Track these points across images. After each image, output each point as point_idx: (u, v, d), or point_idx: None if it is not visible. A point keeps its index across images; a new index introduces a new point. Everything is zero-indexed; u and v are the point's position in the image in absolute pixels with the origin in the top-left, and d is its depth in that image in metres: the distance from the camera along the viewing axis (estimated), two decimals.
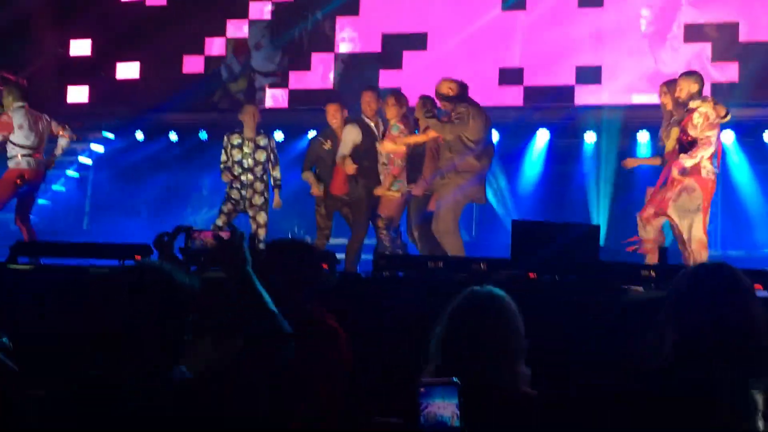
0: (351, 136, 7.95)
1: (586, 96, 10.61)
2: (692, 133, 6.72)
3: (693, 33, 10.36)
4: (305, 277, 3.51)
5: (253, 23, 12.33)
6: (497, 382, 2.73)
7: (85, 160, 12.89)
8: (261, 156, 8.41)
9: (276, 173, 8.56)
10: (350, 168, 7.80)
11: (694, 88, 6.87)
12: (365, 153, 7.96)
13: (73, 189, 12.82)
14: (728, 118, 6.98)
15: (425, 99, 7.75)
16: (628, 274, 5.23)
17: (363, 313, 5.01)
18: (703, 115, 6.72)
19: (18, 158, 8.14)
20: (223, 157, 8.48)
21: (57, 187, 12.64)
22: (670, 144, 7.03)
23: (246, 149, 8.37)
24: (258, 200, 8.37)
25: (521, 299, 2.94)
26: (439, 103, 7.76)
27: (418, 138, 7.86)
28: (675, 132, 6.96)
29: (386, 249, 7.56)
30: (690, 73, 7.15)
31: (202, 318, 2.42)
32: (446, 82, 7.68)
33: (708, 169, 6.77)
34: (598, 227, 5.68)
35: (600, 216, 9.93)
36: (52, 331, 4.72)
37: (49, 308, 5.29)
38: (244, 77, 12.24)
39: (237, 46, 12.33)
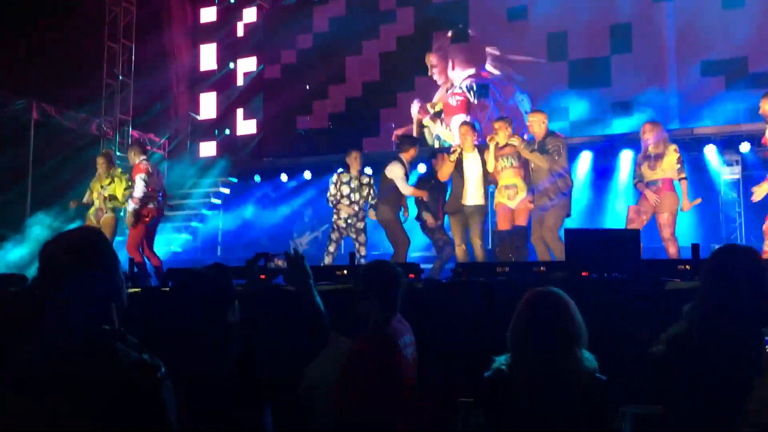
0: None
1: None
2: None
3: None
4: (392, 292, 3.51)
5: None
6: (563, 366, 2.70)
7: (215, 200, 13.25)
8: (364, 191, 8.56)
9: (373, 202, 8.65)
10: None
11: None
12: None
13: (207, 224, 13.15)
14: None
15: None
16: (666, 268, 5.09)
17: (443, 312, 5.00)
18: None
19: (145, 200, 8.28)
20: (333, 191, 8.61)
21: (194, 224, 13.00)
22: None
23: (353, 185, 8.52)
24: (360, 225, 8.53)
25: (577, 295, 2.91)
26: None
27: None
28: None
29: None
30: None
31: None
32: (540, 116, 7.50)
33: None
34: (638, 232, 5.55)
35: None
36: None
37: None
38: None
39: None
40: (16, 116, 11.40)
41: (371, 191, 8.62)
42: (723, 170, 10.16)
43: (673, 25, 10.65)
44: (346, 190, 8.52)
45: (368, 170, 9.54)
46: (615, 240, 5.25)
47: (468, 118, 11.17)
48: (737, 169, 10.08)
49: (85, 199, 8.85)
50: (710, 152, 10.13)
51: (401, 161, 8.32)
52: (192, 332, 2.36)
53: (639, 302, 4.67)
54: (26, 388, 1.88)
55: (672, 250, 6.99)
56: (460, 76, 12.24)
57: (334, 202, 8.57)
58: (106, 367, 1.88)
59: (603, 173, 10.51)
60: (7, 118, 11.19)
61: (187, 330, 2.37)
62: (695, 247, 5.21)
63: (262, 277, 2.75)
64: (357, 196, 8.51)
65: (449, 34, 12.31)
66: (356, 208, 8.49)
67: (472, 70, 12.13)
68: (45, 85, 11.49)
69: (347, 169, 8.64)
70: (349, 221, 8.49)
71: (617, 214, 9.78)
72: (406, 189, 8.27)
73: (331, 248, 8.49)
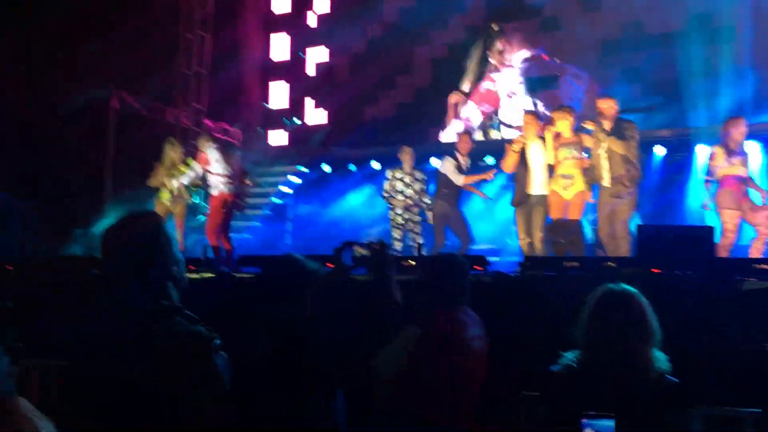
0: None
1: None
2: None
3: None
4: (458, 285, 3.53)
5: None
6: (634, 365, 2.67)
7: (286, 189, 13.43)
8: (417, 186, 8.71)
9: (426, 199, 8.82)
10: None
11: None
12: None
13: (277, 213, 13.35)
14: None
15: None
16: (741, 267, 4.96)
17: (510, 306, 4.99)
18: None
19: (220, 186, 8.53)
20: (387, 187, 8.80)
21: (265, 212, 13.22)
22: None
23: (407, 180, 8.62)
24: (417, 219, 8.72)
25: (648, 292, 2.87)
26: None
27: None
28: None
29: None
30: None
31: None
32: (611, 101, 7.28)
33: None
34: (712, 228, 5.41)
35: None
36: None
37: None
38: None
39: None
40: (95, 106, 11.78)
41: (424, 186, 8.80)
42: None
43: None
44: (399, 185, 8.71)
45: (435, 162, 9.58)
46: (688, 236, 5.14)
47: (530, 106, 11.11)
48: None
49: (154, 183, 9.16)
50: None
51: (453, 155, 8.37)
52: (270, 319, 2.43)
53: (713, 302, 4.57)
54: (95, 358, 2.17)
55: None
56: (519, 58, 12.15)
57: (388, 198, 8.75)
58: (164, 336, 2.14)
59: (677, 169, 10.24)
60: (87, 108, 11.58)
61: (264, 316, 2.44)
62: None
63: (347, 266, 2.79)
64: (411, 191, 8.69)
65: (495, 27, 12.20)
66: (410, 203, 8.64)
67: (530, 53, 12.03)
68: (123, 75, 11.85)
69: (401, 165, 8.79)
70: (406, 216, 8.65)
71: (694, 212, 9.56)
72: (459, 180, 8.33)
73: (398, 246, 8.63)
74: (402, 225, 8.69)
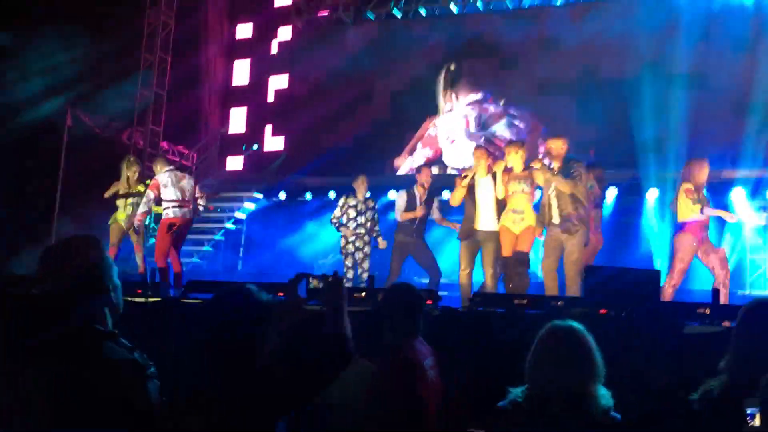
0: None
1: None
2: None
3: None
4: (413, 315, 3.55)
5: None
6: (579, 402, 2.70)
7: (240, 215, 13.36)
8: (369, 215, 8.79)
9: (377, 227, 8.88)
10: None
11: None
12: None
13: (230, 238, 13.25)
14: None
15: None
16: (685, 311, 5.06)
17: (459, 340, 5.01)
18: None
19: (168, 210, 8.48)
20: (338, 213, 8.82)
21: (217, 237, 13.11)
22: None
23: (360, 208, 8.74)
24: (367, 250, 8.74)
25: (595, 331, 2.91)
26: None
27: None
28: None
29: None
30: None
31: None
32: (560, 141, 7.31)
33: None
34: (658, 272, 5.54)
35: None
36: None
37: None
38: None
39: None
40: (50, 121, 11.61)
41: (376, 216, 8.86)
42: (749, 215, 10.08)
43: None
44: (352, 213, 8.76)
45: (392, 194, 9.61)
46: (635, 280, 5.24)
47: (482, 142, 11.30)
48: (764, 214, 9.99)
49: (107, 195, 9.04)
50: (737, 196, 10.08)
51: (408, 189, 8.50)
52: (215, 347, 2.41)
53: (657, 343, 4.65)
54: (23, 379, 2.14)
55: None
56: (464, 102, 12.39)
57: (338, 225, 8.80)
58: (92, 362, 2.14)
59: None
60: (41, 123, 11.40)
61: (209, 343, 2.41)
62: (715, 292, 5.19)
63: (301, 297, 2.75)
64: (363, 219, 8.73)
65: (452, 66, 12.46)
66: (362, 231, 8.70)
67: (478, 96, 12.26)
68: (79, 91, 11.70)
69: (355, 192, 8.87)
70: (357, 245, 8.67)
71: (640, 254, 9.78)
72: (397, 215, 8.45)
73: (349, 274, 8.64)
74: (351, 253, 8.70)
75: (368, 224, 8.75)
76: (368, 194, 9.04)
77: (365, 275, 8.49)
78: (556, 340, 2.79)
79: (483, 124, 12.20)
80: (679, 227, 7.22)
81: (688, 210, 7.10)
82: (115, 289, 2.35)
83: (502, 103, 12.12)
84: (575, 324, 2.84)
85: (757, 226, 10.01)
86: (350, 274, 8.62)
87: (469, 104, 12.43)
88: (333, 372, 2.40)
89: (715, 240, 7.40)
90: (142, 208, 8.48)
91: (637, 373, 4.40)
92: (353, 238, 8.69)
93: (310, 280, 2.77)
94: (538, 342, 2.82)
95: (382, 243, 8.81)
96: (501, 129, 11.98)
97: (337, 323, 2.48)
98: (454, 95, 12.56)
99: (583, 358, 2.75)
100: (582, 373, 2.73)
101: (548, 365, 2.74)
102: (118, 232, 8.97)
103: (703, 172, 7.20)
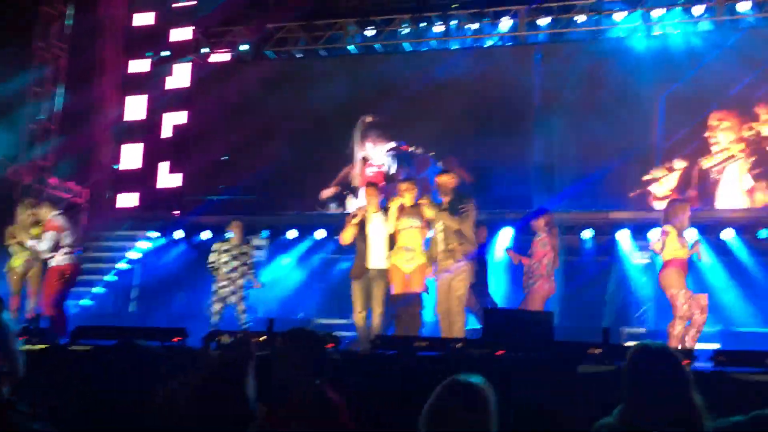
0: None
1: None
2: None
3: None
4: (315, 359, 3.51)
5: None
6: None
7: (134, 255, 12.92)
8: (244, 260, 8.87)
9: (254, 270, 9.02)
10: None
11: None
12: None
13: (122, 279, 12.78)
14: None
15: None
16: (578, 351, 5.24)
17: (360, 385, 4.99)
18: None
19: (61, 256, 7.92)
20: (212, 258, 8.90)
21: (109, 277, 12.63)
22: None
23: (234, 252, 8.84)
24: (242, 293, 8.77)
25: (489, 373, 2.92)
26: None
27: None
28: None
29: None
30: None
31: None
32: (449, 176, 7.51)
33: None
34: (552, 313, 5.73)
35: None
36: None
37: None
38: None
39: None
40: None
41: (251, 260, 8.98)
42: (634, 254, 10.60)
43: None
44: (225, 257, 8.84)
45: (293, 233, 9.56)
46: (530, 321, 5.41)
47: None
48: (648, 253, 10.48)
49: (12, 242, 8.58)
50: (623, 237, 10.59)
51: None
52: (109, 399, 2.32)
53: (552, 383, 4.78)
54: None
55: None
56: (381, 150, 12.50)
57: (211, 269, 8.89)
58: None
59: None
60: None
61: (104, 395, 2.33)
62: (605, 331, 5.40)
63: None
64: (237, 263, 8.81)
65: (368, 118, 12.58)
66: (234, 276, 8.75)
67: (393, 143, 12.43)
68: None
69: (229, 238, 9.00)
70: (231, 288, 8.72)
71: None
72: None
73: (215, 319, 8.67)
74: (223, 298, 8.70)
75: (243, 268, 8.81)
76: (250, 238, 9.24)
77: (244, 316, 8.64)
78: (452, 399, 2.61)
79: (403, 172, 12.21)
80: (662, 266, 7.12)
81: (674, 250, 7.07)
82: (15, 357, 2.25)
83: (419, 151, 12.24)
84: (474, 380, 2.72)
85: (640, 265, 10.52)
86: (215, 319, 8.64)
87: (388, 151, 12.48)
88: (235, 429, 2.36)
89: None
90: (43, 246, 7.83)
91: (533, 413, 4.51)
92: (225, 282, 8.72)
93: (222, 338, 2.72)
94: (435, 397, 2.64)
95: (256, 284, 8.93)
96: (423, 175, 12.05)
97: (241, 383, 2.45)
98: (370, 143, 12.59)
99: (478, 419, 2.63)
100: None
101: (443, 424, 2.62)
102: (18, 280, 8.53)
103: (686, 216, 7.20)
